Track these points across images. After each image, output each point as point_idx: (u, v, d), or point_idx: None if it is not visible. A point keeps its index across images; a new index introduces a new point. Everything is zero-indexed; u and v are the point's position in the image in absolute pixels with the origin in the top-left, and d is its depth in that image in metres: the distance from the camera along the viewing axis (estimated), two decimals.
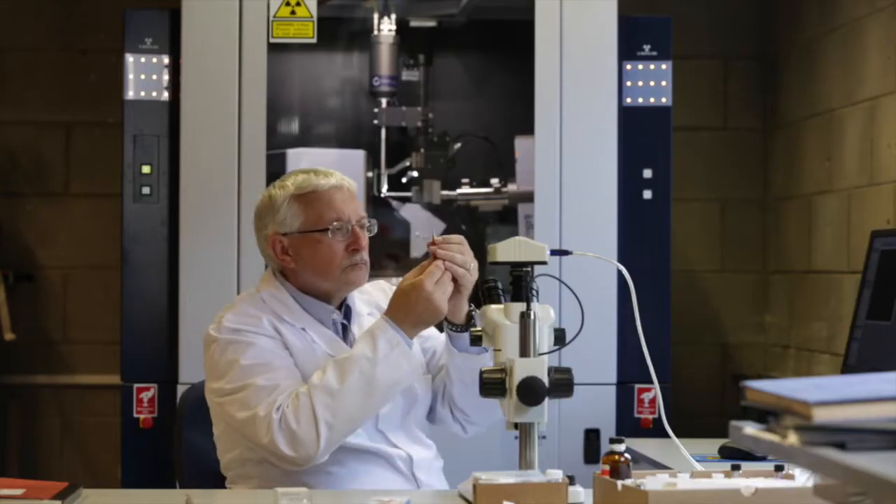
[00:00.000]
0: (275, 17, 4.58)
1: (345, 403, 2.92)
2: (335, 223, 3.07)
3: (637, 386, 4.59)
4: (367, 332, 3.00)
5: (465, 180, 4.89)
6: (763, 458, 3.08)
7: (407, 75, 5.02)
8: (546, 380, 2.68)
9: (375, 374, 2.94)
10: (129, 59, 4.62)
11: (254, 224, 3.18)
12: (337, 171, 3.17)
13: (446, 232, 4.82)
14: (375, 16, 4.87)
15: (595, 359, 4.47)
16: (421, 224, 4.83)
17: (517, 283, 2.77)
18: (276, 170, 4.70)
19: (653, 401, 4.57)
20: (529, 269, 2.78)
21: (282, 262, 3.12)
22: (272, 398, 2.94)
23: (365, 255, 3.10)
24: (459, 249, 3.00)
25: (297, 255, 3.10)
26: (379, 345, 2.95)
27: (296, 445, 2.92)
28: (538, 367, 2.68)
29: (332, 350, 3.06)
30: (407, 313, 2.97)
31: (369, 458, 3.06)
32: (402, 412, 3.12)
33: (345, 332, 3.14)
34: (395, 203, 4.90)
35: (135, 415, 4.58)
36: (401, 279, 3.10)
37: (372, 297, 3.24)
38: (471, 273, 2.99)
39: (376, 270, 4.86)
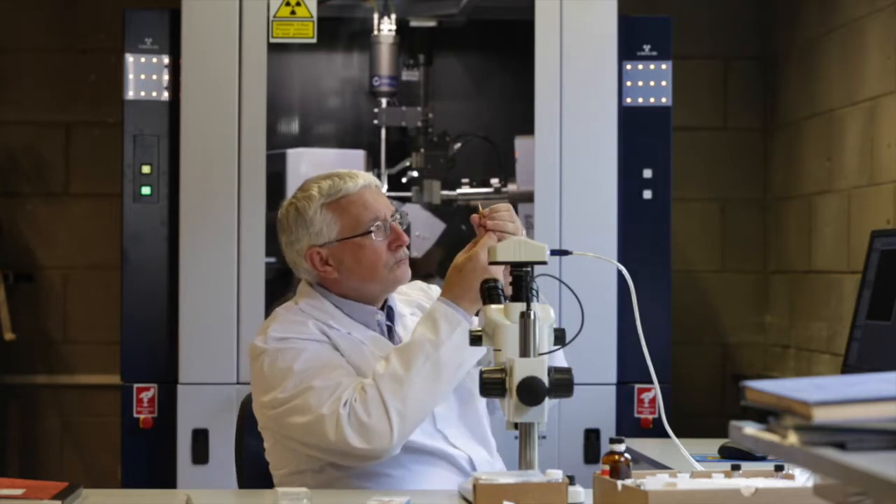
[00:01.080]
0: (275, 17, 4.58)
1: (413, 390, 2.86)
2: (375, 223, 3.01)
3: (637, 386, 4.59)
4: (427, 315, 2.93)
5: (465, 180, 4.89)
6: (763, 458, 3.08)
7: (407, 75, 5.02)
8: (546, 380, 2.68)
9: (440, 357, 2.88)
10: (129, 59, 4.62)
11: (281, 239, 3.09)
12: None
13: (447, 232, 4.83)
14: (375, 16, 4.87)
15: (595, 359, 4.47)
16: (421, 224, 4.83)
17: (517, 283, 2.77)
18: (276, 170, 4.71)
19: (653, 401, 4.57)
20: (529, 269, 2.78)
21: (323, 274, 3.04)
22: (336, 395, 2.86)
23: (406, 249, 3.05)
24: (510, 217, 2.95)
25: (339, 264, 3.03)
26: (440, 326, 2.89)
27: (369, 438, 2.85)
28: (538, 367, 2.68)
29: (379, 351, 2.99)
30: (465, 289, 2.90)
31: (430, 460, 2.98)
32: (457, 410, 3.05)
33: (389, 333, 3.08)
34: (394, 203, 4.90)
35: (135, 415, 4.58)
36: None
37: (411, 297, 3.18)
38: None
39: None
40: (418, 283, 3.27)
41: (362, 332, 3.03)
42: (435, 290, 3.19)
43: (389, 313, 3.10)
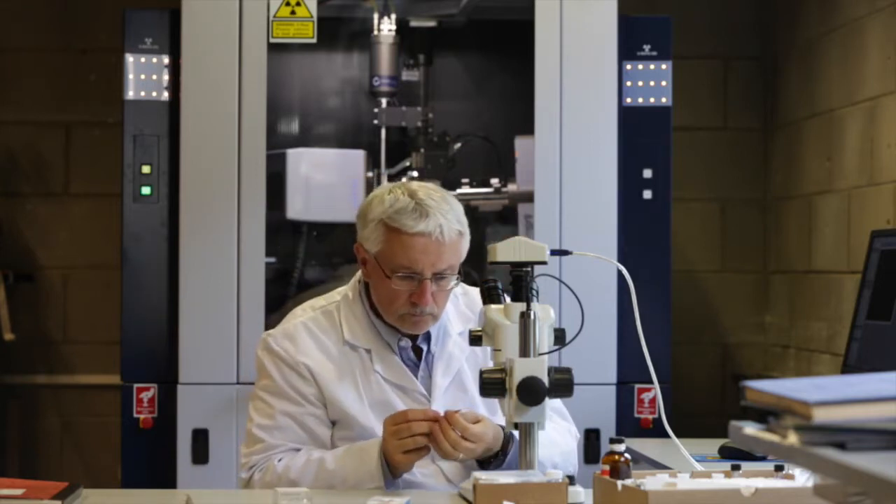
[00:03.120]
0: (275, 17, 4.58)
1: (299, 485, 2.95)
2: (402, 272, 2.97)
3: (637, 386, 4.59)
4: (361, 454, 2.95)
5: (465, 180, 4.88)
6: (763, 458, 3.08)
7: (407, 75, 5.02)
8: (546, 380, 2.68)
9: (341, 485, 2.96)
10: (129, 59, 4.62)
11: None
12: (379, 191, 3.06)
13: None
14: (375, 16, 4.87)
15: (595, 359, 4.47)
16: None
17: (517, 283, 2.77)
18: (276, 170, 4.71)
19: (653, 401, 4.57)
20: (529, 269, 2.78)
21: (362, 268, 3.08)
22: (251, 452, 3.04)
23: (427, 309, 2.98)
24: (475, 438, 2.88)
25: (369, 274, 3.06)
26: (360, 475, 2.94)
27: (246, 484, 3.06)
28: (538, 367, 2.68)
29: (394, 378, 3.04)
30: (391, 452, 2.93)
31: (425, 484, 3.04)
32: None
33: (419, 353, 3.08)
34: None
35: (135, 415, 4.57)
36: None
37: (476, 303, 3.10)
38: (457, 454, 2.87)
39: None
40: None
41: (383, 354, 3.05)
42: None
43: (427, 334, 3.09)
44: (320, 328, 3.08)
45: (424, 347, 3.09)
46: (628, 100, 4.64)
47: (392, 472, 2.92)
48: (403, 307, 2.99)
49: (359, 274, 3.13)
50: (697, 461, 2.93)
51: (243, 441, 3.11)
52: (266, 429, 3.05)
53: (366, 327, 3.06)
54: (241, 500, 3.07)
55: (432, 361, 3.08)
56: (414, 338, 3.08)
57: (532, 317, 2.73)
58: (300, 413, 3.04)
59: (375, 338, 3.06)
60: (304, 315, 3.12)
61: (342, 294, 3.13)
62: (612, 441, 2.69)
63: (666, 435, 2.95)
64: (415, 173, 4.87)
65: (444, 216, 2.97)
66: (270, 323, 4.61)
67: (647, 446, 3.74)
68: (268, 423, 3.05)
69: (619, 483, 2.49)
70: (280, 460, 3.01)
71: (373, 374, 3.04)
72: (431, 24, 4.99)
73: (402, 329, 3.05)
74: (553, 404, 3.11)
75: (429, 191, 3.03)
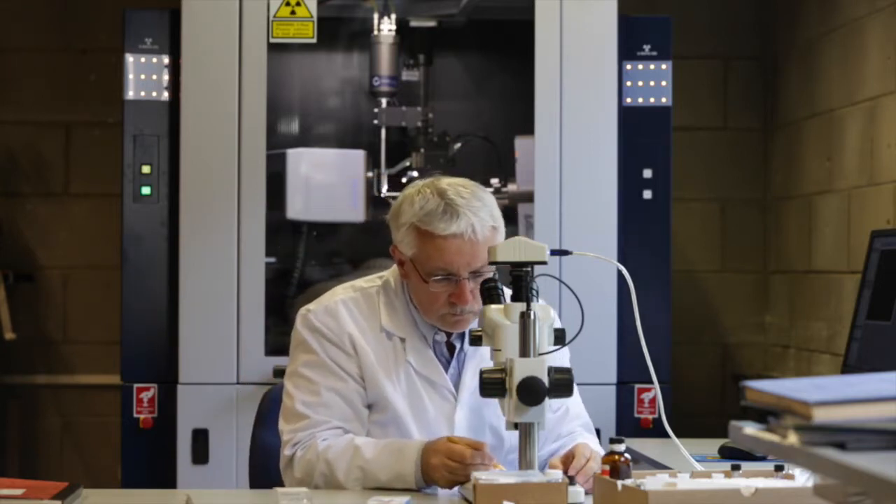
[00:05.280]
0: (275, 17, 4.58)
1: (336, 484, 2.93)
2: (439, 274, 2.94)
3: (637, 386, 4.59)
4: (400, 454, 2.91)
5: None
6: (763, 458, 3.08)
7: (407, 75, 5.01)
8: (546, 380, 2.68)
9: (372, 477, 2.93)
10: (129, 59, 4.62)
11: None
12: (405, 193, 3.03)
13: None
14: (375, 16, 4.87)
15: (595, 359, 4.47)
16: None
17: (517, 283, 2.77)
18: (276, 170, 4.71)
19: (653, 401, 4.57)
20: (529, 269, 2.78)
21: (399, 269, 3.05)
22: (295, 429, 2.98)
23: (468, 308, 2.96)
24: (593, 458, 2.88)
25: (406, 275, 3.03)
26: (393, 474, 2.91)
27: (284, 470, 2.99)
28: (538, 367, 2.68)
29: (425, 371, 3.02)
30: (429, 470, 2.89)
31: None
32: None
33: (452, 350, 3.06)
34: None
35: (135, 415, 4.58)
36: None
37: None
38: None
39: (376, 271, 4.86)
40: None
41: (416, 345, 3.03)
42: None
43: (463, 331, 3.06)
44: (359, 309, 3.05)
45: (458, 345, 3.06)
46: (628, 100, 4.65)
47: (424, 481, 2.90)
48: (443, 308, 2.97)
49: (395, 268, 3.10)
50: (697, 461, 2.93)
51: (283, 418, 3.03)
52: (310, 405, 2.98)
53: (404, 316, 3.04)
54: (241, 499, 3.07)
55: (464, 360, 3.06)
56: (450, 333, 3.06)
57: (532, 317, 2.73)
58: (345, 389, 2.99)
59: (412, 328, 3.04)
60: (344, 294, 3.08)
61: (384, 280, 3.09)
62: (612, 441, 2.69)
63: (666, 435, 2.95)
64: (415, 173, 4.87)
65: (476, 214, 2.94)
66: (270, 323, 4.62)
67: (647, 446, 3.74)
68: (312, 399, 2.99)
69: (619, 483, 2.49)
70: (324, 440, 2.96)
71: (404, 363, 3.02)
72: (431, 24, 4.99)
73: (444, 328, 3.04)
74: (583, 418, 3.14)
75: (458, 188, 2.98)
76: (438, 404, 3.01)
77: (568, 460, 2.86)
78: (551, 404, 3.07)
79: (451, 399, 3.02)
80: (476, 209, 2.95)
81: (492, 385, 2.73)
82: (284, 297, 4.82)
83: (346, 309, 3.05)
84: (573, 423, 3.12)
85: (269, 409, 3.27)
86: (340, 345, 3.01)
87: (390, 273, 3.10)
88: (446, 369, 3.05)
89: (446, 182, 3.01)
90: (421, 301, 3.00)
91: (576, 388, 3.13)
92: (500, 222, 3.00)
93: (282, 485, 2.98)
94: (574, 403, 3.13)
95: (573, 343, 2.83)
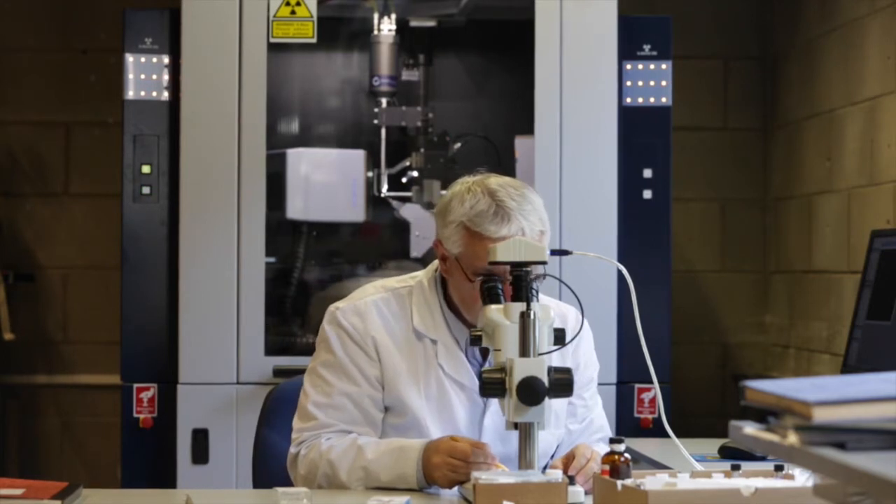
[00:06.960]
0: (275, 17, 4.58)
1: (339, 484, 2.94)
2: (484, 275, 2.89)
3: (637, 386, 4.59)
4: (401, 455, 2.91)
5: None
6: (763, 458, 3.08)
7: (407, 75, 5.02)
8: (546, 380, 2.68)
9: (373, 478, 2.93)
10: (129, 58, 4.62)
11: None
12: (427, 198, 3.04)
13: None
14: (375, 16, 4.87)
15: None
16: (421, 224, 4.82)
17: (517, 283, 2.77)
18: (276, 170, 4.71)
19: (653, 401, 4.57)
20: (529, 269, 2.78)
21: (441, 264, 3.01)
22: (304, 428, 2.99)
23: None
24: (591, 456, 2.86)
25: (448, 271, 2.99)
26: (394, 474, 2.90)
27: (290, 467, 3.00)
28: (538, 367, 2.68)
29: (455, 374, 2.98)
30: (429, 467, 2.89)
31: None
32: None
33: (485, 355, 3.01)
34: (395, 203, 4.90)
35: (135, 415, 4.58)
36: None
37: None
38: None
39: (376, 271, 4.87)
40: (564, 307, 3.13)
41: (449, 347, 3.00)
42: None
43: None
44: (390, 310, 3.02)
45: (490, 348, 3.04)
46: (628, 100, 4.65)
47: (426, 481, 2.89)
48: None
49: (436, 263, 3.06)
50: (697, 461, 2.93)
51: (297, 414, 3.03)
52: (321, 407, 2.98)
53: (437, 318, 3.01)
54: (241, 499, 3.07)
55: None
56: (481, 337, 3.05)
57: (532, 317, 2.73)
58: (358, 394, 2.98)
59: (444, 330, 3.01)
60: (375, 294, 3.04)
61: (417, 280, 3.05)
62: (612, 441, 2.69)
63: (666, 435, 2.95)
64: (415, 173, 4.87)
65: (526, 218, 2.90)
66: (270, 323, 4.62)
67: (647, 446, 3.74)
68: (324, 400, 2.98)
69: (619, 483, 2.49)
70: (328, 439, 2.96)
71: (435, 366, 2.99)
72: (431, 24, 5.00)
73: None
74: (604, 431, 3.14)
75: (509, 189, 2.93)
76: (467, 408, 2.99)
77: (568, 460, 2.86)
78: (577, 415, 3.09)
79: (480, 404, 3.00)
80: (527, 213, 2.91)
81: (492, 385, 2.73)
82: (284, 297, 4.82)
83: (376, 310, 3.01)
84: (595, 436, 3.12)
85: (273, 409, 3.27)
86: (363, 346, 2.99)
87: (424, 274, 3.07)
88: (477, 373, 3.03)
89: (496, 182, 2.95)
90: (463, 298, 2.97)
91: (600, 399, 3.15)
92: (548, 226, 2.96)
93: (285, 484, 2.97)
94: (598, 416, 3.15)
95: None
